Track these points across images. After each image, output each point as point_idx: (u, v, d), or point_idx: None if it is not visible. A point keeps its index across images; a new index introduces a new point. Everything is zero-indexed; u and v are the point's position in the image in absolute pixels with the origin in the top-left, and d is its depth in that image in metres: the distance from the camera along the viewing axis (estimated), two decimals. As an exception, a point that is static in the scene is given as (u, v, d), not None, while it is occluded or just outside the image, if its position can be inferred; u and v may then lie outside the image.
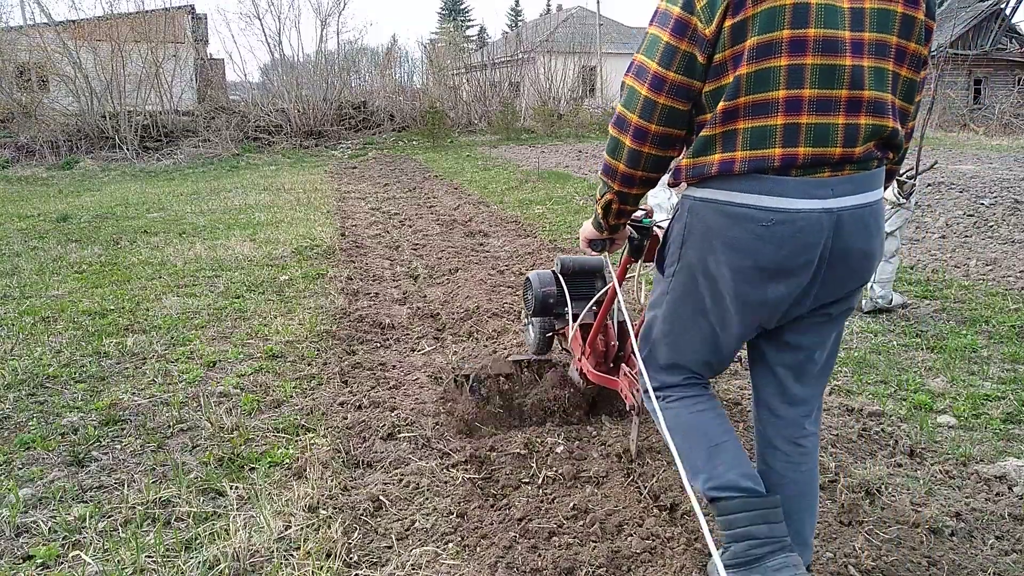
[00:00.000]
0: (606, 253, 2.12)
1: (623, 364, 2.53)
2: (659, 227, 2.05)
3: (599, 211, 1.78)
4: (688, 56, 1.43)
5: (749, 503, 1.57)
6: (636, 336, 1.92)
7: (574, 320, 2.77)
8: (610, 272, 2.53)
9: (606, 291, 2.65)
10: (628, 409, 2.40)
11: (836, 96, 1.40)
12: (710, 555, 1.95)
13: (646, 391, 1.73)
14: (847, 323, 4.12)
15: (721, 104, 1.43)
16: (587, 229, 1.92)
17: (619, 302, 2.44)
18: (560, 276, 2.90)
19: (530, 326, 3.03)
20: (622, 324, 2.60)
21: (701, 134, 1.48)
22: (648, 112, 1.48)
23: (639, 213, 1.99)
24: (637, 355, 1.82)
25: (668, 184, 1.62)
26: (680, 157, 1.58)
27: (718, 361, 1.71)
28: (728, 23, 1.38)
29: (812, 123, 1.40)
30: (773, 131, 1.41)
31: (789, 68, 1.38)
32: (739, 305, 1.53)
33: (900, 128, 1.50)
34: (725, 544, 1.60)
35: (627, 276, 2.13)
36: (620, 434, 2.68)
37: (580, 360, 2.70)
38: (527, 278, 3.01)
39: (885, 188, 1.58)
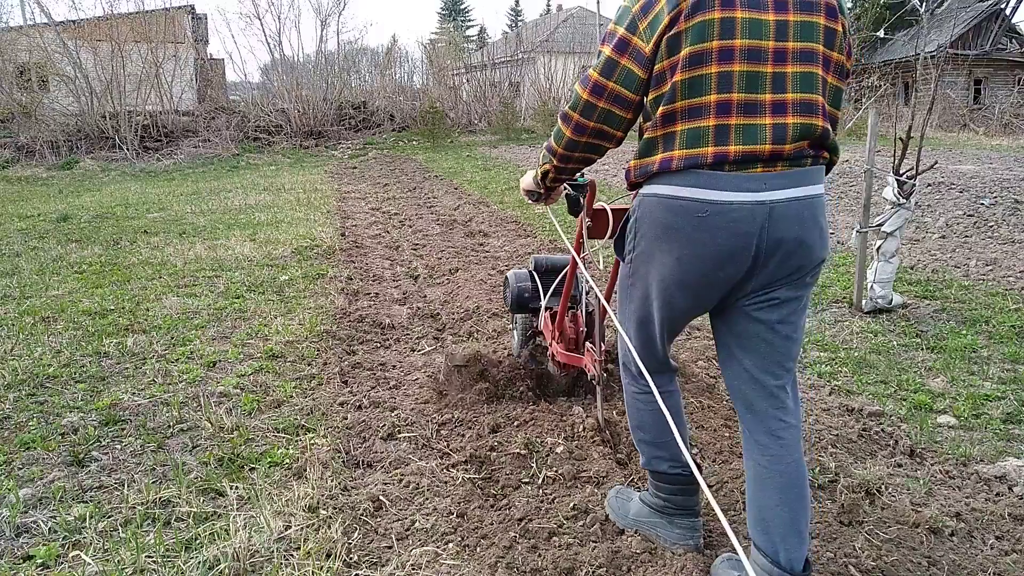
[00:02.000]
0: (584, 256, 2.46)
1: (587, 342, 2.75)
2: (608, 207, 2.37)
3: (538, 174, 2.06)
4: (626, 70, 1.62)
5: (674, 480, 1.97)
6: (602, 317, 2.26)
7: (545, 309, 3.08)
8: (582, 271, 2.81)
9: (565, 273, 2.90)
10: (590, 379, 2.66)
11: (761, 100, 1.56)
12: (713, 556, 1.95)
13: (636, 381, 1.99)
14: (847, 323, 4.12)
15: (660, 109, 1.60)
16: (527, 182, 2.20)
17: (588, 293, 2.84)
18: (534, 273, 3.20)
19: (515, 330, 3.30)
20: (590, 313, 2.83)
21: (645, 137, 1.66)
22: (588, 113, 1.71)
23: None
24: (626, 346, 2.00)
25: (627, 188, 1.79)
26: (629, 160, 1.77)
27: (665, 341, 1.86)
28: (666, 37, 1.55)
29: (741, 124, 1.55)
30: (706, 131, 1.56)
31: (719, 75, 1.54)
32: (682, 289, 1.69)
33: (831, 129, 1.63)
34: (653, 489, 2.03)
35: (583, 247, 2.45)
36: (620, 433, 2.69)
37: (552, 344, 2.92)
38: (505, 276, 3.30)
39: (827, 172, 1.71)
